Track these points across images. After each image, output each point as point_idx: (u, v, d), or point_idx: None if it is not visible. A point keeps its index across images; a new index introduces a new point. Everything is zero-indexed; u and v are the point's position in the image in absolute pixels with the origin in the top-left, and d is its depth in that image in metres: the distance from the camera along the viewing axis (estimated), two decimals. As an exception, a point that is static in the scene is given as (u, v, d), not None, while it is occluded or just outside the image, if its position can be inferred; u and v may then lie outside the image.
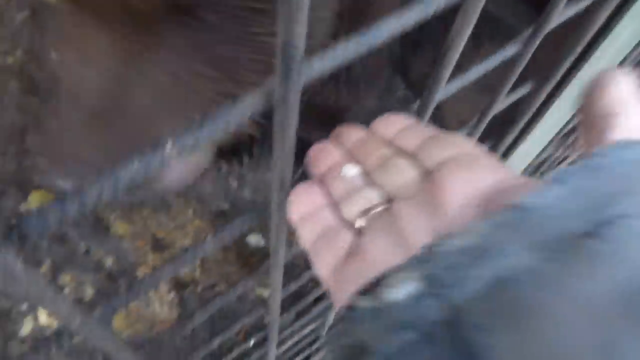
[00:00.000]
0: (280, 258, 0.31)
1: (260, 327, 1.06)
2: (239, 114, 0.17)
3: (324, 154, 0.34)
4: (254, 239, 1.21)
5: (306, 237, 0.30)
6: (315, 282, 0.44)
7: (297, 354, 0.86)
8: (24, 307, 1.10)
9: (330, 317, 0.68)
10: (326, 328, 0.72)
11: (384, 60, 1.48)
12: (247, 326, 1.12)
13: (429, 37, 1.47)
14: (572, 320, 0.18)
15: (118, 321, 1.09)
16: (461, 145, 0.29)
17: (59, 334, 0.23)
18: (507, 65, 0.41)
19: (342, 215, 0.30)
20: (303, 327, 0.74)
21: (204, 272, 1.16)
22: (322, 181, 0.32)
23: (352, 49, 0.20)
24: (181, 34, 0.53)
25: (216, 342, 0.50)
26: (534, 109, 0.52)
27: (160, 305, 1.12)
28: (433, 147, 0.30)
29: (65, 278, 1.13)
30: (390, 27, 0.21)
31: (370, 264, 0.27)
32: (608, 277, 0.19)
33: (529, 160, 0.66)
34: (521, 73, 0.43)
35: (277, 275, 0.35)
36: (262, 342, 0.62)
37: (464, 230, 0.22)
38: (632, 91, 0.29)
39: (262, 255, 1.20)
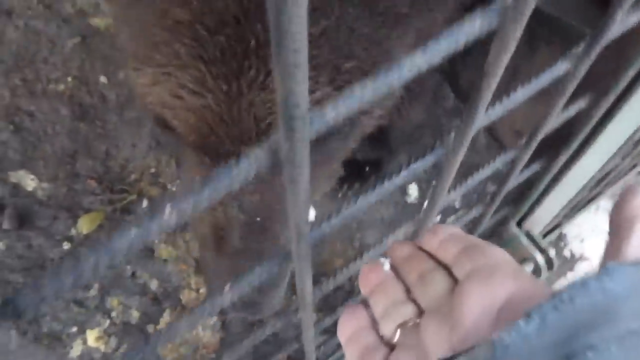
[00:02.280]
0: (308, 302, 0.30)
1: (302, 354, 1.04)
2: (243, 174, 0.16)
3: (372, 274, 0.38)
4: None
5: (350, 356, 0.35)
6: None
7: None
8: (74, 329, 1.13)
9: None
10: None
11: (430, 71, 1.45)
12: (291, 351, 1.11)
13: (479, 42, 1.43)
14: None
15: (162, 346, 1.11)
16: (489, 255, 0.32)
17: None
18: (559, 82, 0.38)
19: (381, 332, 0.35)
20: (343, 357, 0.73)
21: (247, 296, 1.16)
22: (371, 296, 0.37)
23: (370, 90, 0.18)
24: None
25: None
26: (592, 124, 0.49)
27: (203, 329, 1.13)
28: (464, 258, 0.33)
29: (113, 302, 1.16)
30: (414, 63, 0.19)
31: None
32: None
33: (591, 173, 0.61)
34: (577, 85, 0.39)
35: (307, 317, 0.33)
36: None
37: None
38: None
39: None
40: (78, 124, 1.38)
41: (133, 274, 1.18)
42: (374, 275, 0.39)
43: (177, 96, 0.56)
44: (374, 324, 0.36)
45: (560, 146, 0.51)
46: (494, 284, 0.29)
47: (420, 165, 0.29)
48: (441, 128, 1.49)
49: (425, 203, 0.36)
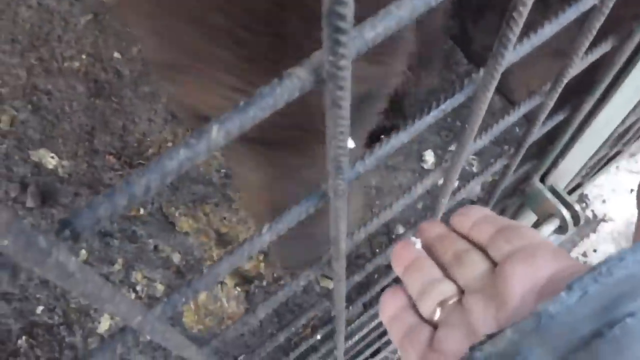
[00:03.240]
0: (341, 249, 0.30)
1: (328, 320, 1.06)
2: (286, 93, 0.17)
3: (405, 252, 0.39)
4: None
5: (395, 337, 0.36)
6: (380, 272, 0.43)
7: (366, 346, 0.85)
8: (100, 304, 1.16)
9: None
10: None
11: (442, 35, 1.43)
12: (315, 320, 1.13)
13: (492, 3, 1.41)
14: None
15: (188, 317, 1.13)
16: (526, 236, 0.33)
17: (123, 331, 0.24)
18: (583, 21, 0.38)
19: (420, 311, 0.36)
20: (371, 319, 0.73)
21: (268, 266, 1.18)
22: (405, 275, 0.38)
23: (408, 8, 0.18)
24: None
25: (282, 336, 0.50)
26: (616, 69, 0.48)
27: (228, 300, 1.15)
28: (501, 240, 0.34)
29: (137, 276, 1.18)
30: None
31: (448, 356, 0.32)
32: None
33: (615, 123, 0.61)
34: (599, 29, 0.39)
35: (339, 267, 0.34)
36: (330, 336, 0.62)
37: (497, 335, 0.26)
38: None
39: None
40: (94, 101, 1.39)
41: (155, 248, 1.21)
42: (407, 253, 0.39)
43: (228, 98, 0.56)
44: (414, 303, 0.37)
45: (584, 94, 0.51)
46: (536, 264, 0.31)
47: (450, 104, 0.29)
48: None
49: (454, 147, 0.36)
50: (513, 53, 0.29)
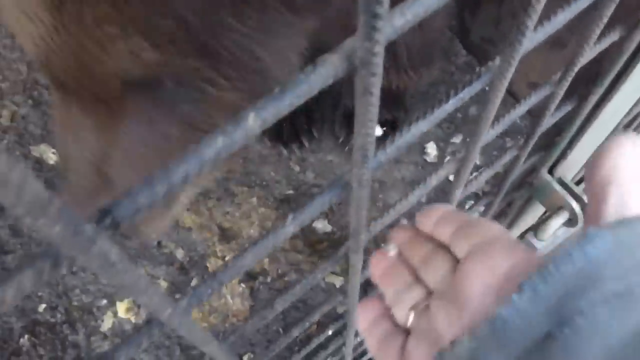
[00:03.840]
0: (361, 240, 0.31)
1: (332, 317, 1.07)
2: (320, 80, 0.17)
3: (379, 262, 0.41)
4: (321, 225, 1.22)
5: (371, 347, 0.37)
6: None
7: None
8: (104, 302, 1.16)
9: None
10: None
11: (443, 34, 1.44)
12: (319, 317, 1.13)
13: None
14: None
15: (192, 314, 1.14)
16: (481, 232, 0.34)
17: (149, 324, 0.24)
18: (587, 11, 0.38)
19: (395, 318, 0.37)
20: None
21: (272, 262, 1.18)
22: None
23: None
24: (147, 103, 0.63)
25: (296, 332, 0.50)
26: (624, 58, 0.49)
27: (232, 297, 1.15)
28: (461, 238, 0.35)
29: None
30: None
31: None
32: None
33: (623, 112, 0.61)
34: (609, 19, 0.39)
35: (357, 260, 0.34)
36: (340, 332, 0.62)
37: (456, 343, 0.27)
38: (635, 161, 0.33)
39: (330, 241, 1.20)
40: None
41: (158, 244, 1.21)
42: (381, 263, 0.40)
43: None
44: (387, 309, 0.38)
45: (591, 84, 0.51)
46: (492, 262, 0.31)
47: (467, 93, 0.29)
48: (455, 84, 1.48)
49: (466, 141, 0.36)
50: (529, 41, 0.29)
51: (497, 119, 0.45)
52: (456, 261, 0.34)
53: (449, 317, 0.31)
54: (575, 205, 0.65)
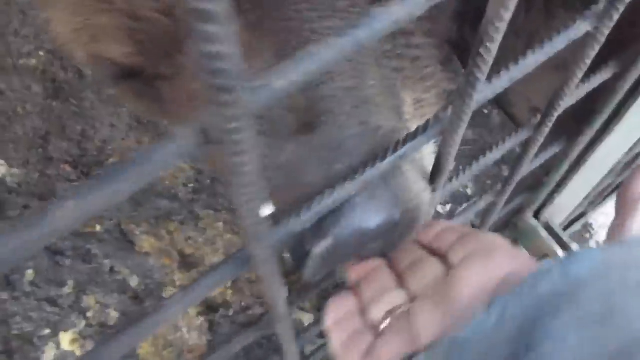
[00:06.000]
0: (281, 314, 0.28)
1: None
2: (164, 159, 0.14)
3: (363, 262, 0.41)
4: (293, 254, 1.18)
5: (336, 342, 0.37)
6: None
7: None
8: (47, 331, 1.12)
9: None
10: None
11: (439, 42, 1.42)
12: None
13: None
14: None
15: (144, 349, 1.09)
16: (485, 241, 0.35)
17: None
18: (580, 46, 0.36)
19: (369, 318, 0.37)
20: None
21: (236, 293, 1.14)
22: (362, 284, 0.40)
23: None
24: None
25: None
26: (618, 99, 0.46)
27: (189, 330, 1.11)
28: (460, 246, 0.35)
29: (89, 300, 1.14)
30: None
31: None
32: None
33: (618, 156, 0.59)
34: (603, 54, 0.37)
35: (284, 329, 0.31)
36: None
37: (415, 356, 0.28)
38: None
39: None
40: (51, 103, 1.35)
41: (111, 269, 1.17)
42: (365, 263, 0.41)
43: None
44: (363, 310, 0.38)
45: (583, 125, 0.48)
46: (491, 265, 0.32)
47: (416, 145, 0.26)
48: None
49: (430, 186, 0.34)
50: (488, 88, 0.26)
51: (470, 159, 0.42)
52: (447, 269, 0.35)
53: (432, 318, 0.32)
54: (561, 254, 0.62)
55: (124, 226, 1.21)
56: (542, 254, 0.65)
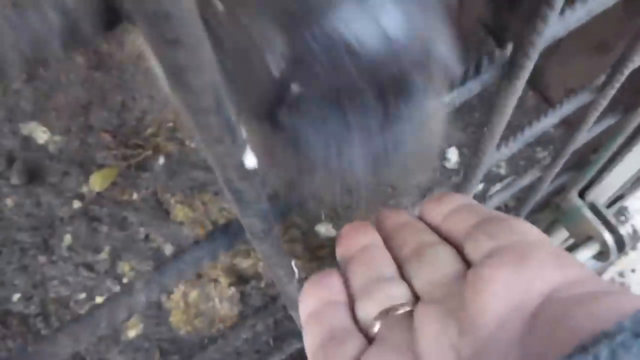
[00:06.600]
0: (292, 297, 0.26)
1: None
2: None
3: (357, 235, 0.30)
4: (324, 229, 1.17)
5: (311, 341, 0.26)
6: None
7: None
8: (83, 295, 1.13)
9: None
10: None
11: (473, 21, 1.36)
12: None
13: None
14: None
15: (176, 316, 1.10)
16: (517, 231, 0.24)
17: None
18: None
19: (357, 314, 0.27)
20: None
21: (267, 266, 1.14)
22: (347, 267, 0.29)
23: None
24: None
25: (287, 350, 0.46)
26: (621, 140, 0.43)
27: (221, 300, 1.11)
28: (483, 234, 0.25)
29: (124, 267, 1.15)
30: None
31: None
32: None
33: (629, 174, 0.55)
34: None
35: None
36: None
37: None
38: None
39: (333, 247, 1.15)
40: (93, 73, 1.36)
41: (146, 237, 1.17)
42: (359, 237, 0.30)
43: None
44: (350, 301, 0.28)
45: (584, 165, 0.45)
46: (529, 272, 0.21)
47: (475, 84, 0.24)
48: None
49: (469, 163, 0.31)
50: (559, 23, 0.23)
51: (521, 127, 0.39)
52: (467, 265, 0.25)
53: (442, 337, 0.22)
54: (608, 237, 0.58)
55: (159, 195, 1.21)
56: (586, 236, 0.62)
